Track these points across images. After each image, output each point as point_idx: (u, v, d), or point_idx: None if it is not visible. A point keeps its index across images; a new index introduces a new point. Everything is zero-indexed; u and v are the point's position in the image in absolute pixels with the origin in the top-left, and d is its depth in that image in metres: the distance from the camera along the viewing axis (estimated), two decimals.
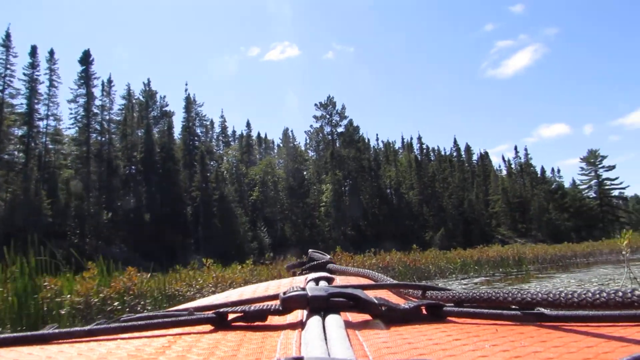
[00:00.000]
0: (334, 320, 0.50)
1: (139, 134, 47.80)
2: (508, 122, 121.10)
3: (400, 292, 0.83)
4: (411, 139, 72.12)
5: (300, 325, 0.56)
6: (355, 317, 0.59)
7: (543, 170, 72.19)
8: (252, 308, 0.60)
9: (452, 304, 0.63)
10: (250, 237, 46.74)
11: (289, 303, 0.57)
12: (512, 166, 72.59)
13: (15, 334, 0.56)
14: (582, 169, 72.45)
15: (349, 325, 0.53)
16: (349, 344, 0.42)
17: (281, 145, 61.68)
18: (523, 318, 0.55)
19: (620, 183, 71.21)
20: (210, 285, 7.65)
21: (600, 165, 70.55)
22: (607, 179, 70.25)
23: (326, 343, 0.43)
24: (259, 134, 66.21)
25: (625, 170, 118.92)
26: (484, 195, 66.34)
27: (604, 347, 0.41)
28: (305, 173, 59.61)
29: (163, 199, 44.27)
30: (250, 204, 52.65)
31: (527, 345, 0.43)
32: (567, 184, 73.55)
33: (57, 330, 0.57)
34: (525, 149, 77.20)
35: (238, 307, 0.61)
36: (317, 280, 0.88)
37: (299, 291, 0.58)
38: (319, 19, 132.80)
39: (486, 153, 75.56)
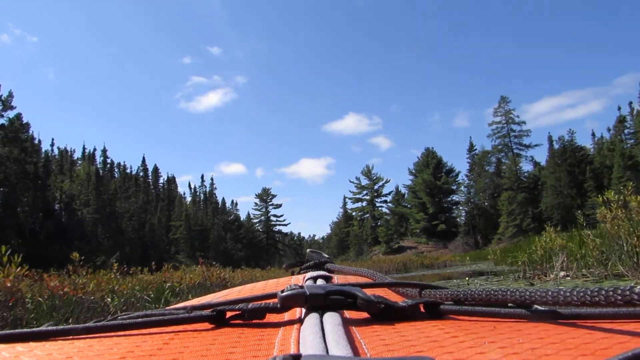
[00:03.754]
0: (332, 318, 0.50)
1: None
2: (196, 153, 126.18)
3: (398, 291, 0.83)
4: (94, 150, 64.48)
5: (299, 323, 0.55)
6: (353, 315, 0.59)
7: (224, 202, 76.34)
8: (250, 306, 0.60)
9: (450, 302, 0.64)
10: None
11: (287, 301, 0.57)
12: (198, 194, 74.03)
13: (13, 331, 0.55)
14: (256, 204, 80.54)
15: (347, 323, 0.53)
16: (347, 341, 0.42)
17: None
18: (520, 315, 0.55)
19: (284, 220, 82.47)
20: None
21: (270, 203, 79.95)
22: (274, 215, 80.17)
23: (324, 341, 0.43)
24: None
25: (285, 210, 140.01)
26: (166, 220, 64.51)
27: (601, 344, 0.41)
28: None
29: None
30: None
31: (525, 342, 0.43)
32: (243, 217, 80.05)
33: (55, 328, 0.57)
34: (212, 179, 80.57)
35: (236, 306, 0.61)
36: (315, 279, 0.89)
37: (297, 289, 0.58)
38: None
39: (173, 177, 74.74)
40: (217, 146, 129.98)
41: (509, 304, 0.57)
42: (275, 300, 0.59)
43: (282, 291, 0.58)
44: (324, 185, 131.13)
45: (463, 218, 64.25)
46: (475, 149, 64.87)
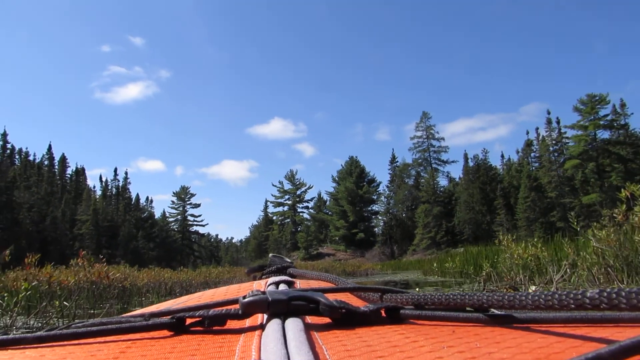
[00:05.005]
0: (294, 324, 0.50)
1: None
2: (111, 146, 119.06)
3: (360, 295, 0.83)
4: None
5: (260, 329, 0.55)
6: (315, 320, 0.59)
7: (137, 198, 72.08)
8: (211, 312, 0.59)
9: (411, 307, 0.64)
10: None
11: (249, 307, 0.56)
12: (110, 189, 69.15)
13: None
14: (173, 202, 76.96)
15: (309, 328, 0.53)
16: (309, 347, 0.42)
17: None
18: (478, 320, 0.56)
19: (202, 220, 79.61)
20: None
21: (188, 202, 76.76)
22: (192, 215, 77.10)
23: (286, 347, 0.43)
24: None
25: (203, 211, 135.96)
26: (71, 214, 59.44)
27: (555, 348, 0.41)
28: None
29: None
30: None
31: (482, 347, 0.43)
32: (158, 215, 75.97)
33: (5, 337, 0.54)
34: (126, 173, 75.55)
35: (196, 312, 0.60)
36: (277, 284, 0.88)
37: (259, 295, 0.57)
38: None
39: (83, 169, 69.38)
40: (135, 141, 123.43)
41: (467, 308, 0.58)
42: (237, 306, 0.58)
43: (244, 297, 0.57)
44: (246, 188, 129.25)
45: (381, 228, 66.13)
46: (397, 161, 67.27)
